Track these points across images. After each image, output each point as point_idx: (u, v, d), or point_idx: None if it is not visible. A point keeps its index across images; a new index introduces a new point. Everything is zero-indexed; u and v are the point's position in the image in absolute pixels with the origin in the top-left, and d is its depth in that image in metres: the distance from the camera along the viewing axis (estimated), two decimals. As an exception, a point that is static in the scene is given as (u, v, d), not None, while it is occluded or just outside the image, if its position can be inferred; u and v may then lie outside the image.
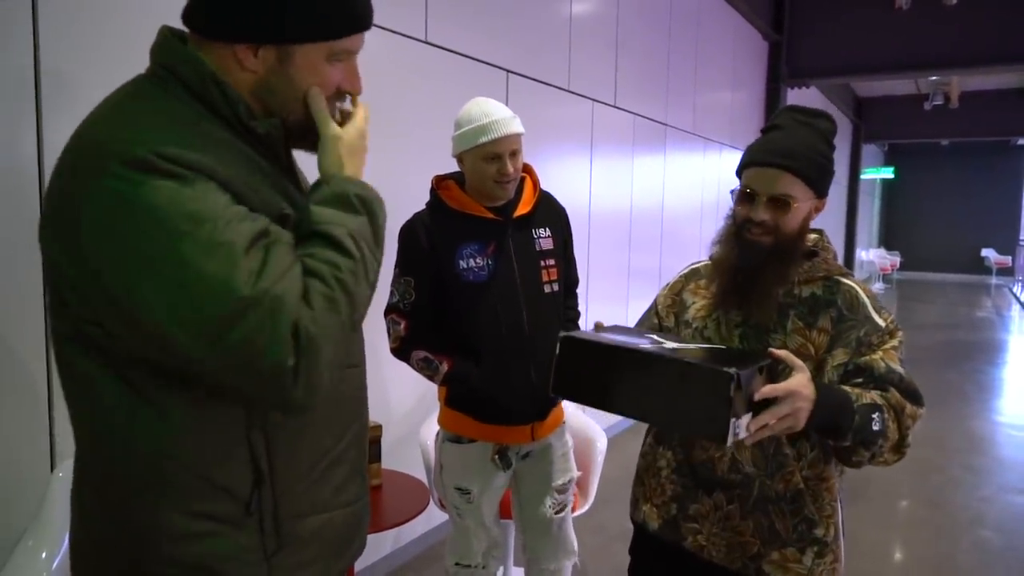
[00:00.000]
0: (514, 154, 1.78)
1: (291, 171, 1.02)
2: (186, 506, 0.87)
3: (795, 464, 1.30)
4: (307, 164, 1.05)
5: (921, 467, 4.27)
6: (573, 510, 2.49)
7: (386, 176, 2.70)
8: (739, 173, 1.39)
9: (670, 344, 1.24)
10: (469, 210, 1.83)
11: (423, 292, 1.81)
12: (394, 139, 2.72)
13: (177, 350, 0.80)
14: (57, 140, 1.65)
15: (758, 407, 1.11)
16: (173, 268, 0.77)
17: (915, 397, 1.29)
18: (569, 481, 2.04)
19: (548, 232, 1.92)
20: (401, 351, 1.84)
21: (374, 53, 2.76)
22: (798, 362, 1.17)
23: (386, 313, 1.85)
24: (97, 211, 0.78)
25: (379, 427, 2.25)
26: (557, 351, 1.22)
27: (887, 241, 17.95)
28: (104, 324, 0.83)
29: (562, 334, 1.22)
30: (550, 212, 1.96)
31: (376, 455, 2.23)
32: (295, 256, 0.85)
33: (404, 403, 2.87)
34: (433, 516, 2.96)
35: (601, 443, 2.66)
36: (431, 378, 1.83)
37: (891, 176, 16.49)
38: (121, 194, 0.77)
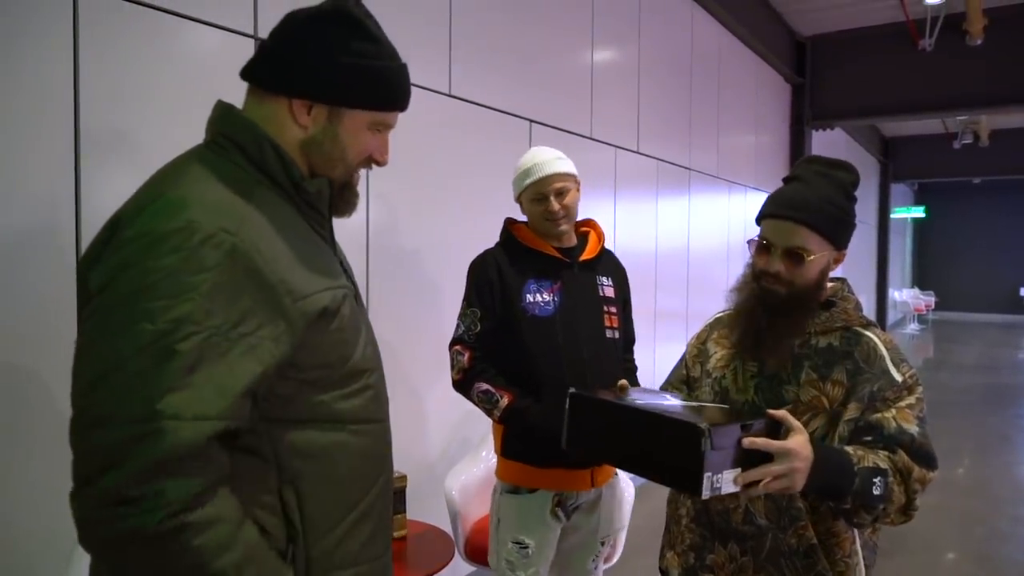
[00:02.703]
0: (560, 193, 1.88)
1: (331, 236, 1.07)
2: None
3: (808, 518, 1.28)
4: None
5: (965, 518, 4.10)
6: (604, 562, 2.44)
7: (413, 224, 2.76)
8: (758, 222, 1.40)
9: (675, 402, 1.28)
10: (537, 247, 1.91)
11: (489, 324, 1.87)
12: (420, 190, 2.77)
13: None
14: (95, 197, 1.71)
15: (754, 463, 1.11)
16: (117, 345, 0.79)
17: (927, 460, 1.25)
18: (615, 532, 2.06)
19: (611, 282, 2.01)
20: (463, 383, 1.87)
21: (401, 106, 2.84)
22: (796, 423, 1.16)
23: (451, 345, 1.91)
24: (116, 264, 0.83)
25: (404, 477, 2.24)
26: (567, 407, 1.28)
27: (921, 281, 17.60)
28: None
29: (571, 390, 1.28)
30: (613, 267, 2.06)
31: (401, 506, 2.21)
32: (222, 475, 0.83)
33: (428, 453, 2.86)
34: (459, 568, 2.91)
35: (629, 493, 2.61)
36: (490, 412, 1.85)
37: (922, 215, 16.26)
38: (140, 259, 0.81)
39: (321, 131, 0.98)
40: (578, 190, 1.94)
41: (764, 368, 1.35)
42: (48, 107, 1.65)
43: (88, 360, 0.82)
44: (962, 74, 6.65)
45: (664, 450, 1.12)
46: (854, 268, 10.53)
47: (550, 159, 1.90)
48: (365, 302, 2.55)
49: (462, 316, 1.91)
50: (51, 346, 1.66)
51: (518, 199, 1.96)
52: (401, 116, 1.08)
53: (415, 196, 2.76)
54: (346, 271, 1.08)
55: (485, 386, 1.83)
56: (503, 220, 2.03)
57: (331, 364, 0.95)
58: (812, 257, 1.29)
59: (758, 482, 1.10)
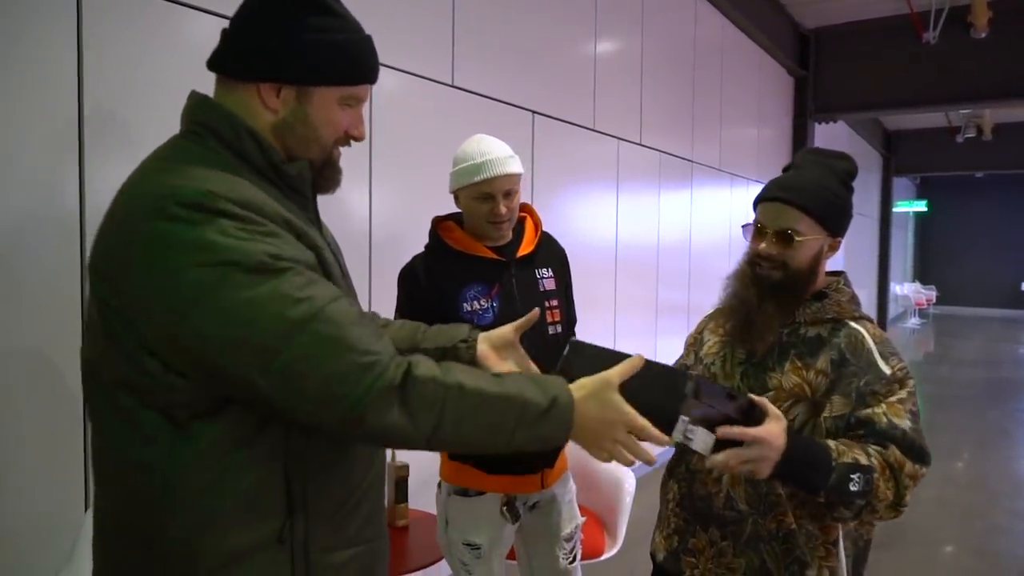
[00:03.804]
0: (508, 194, 1.73)
1: (317, 219, 1.08)
2: (224, 535, 0.90)
3: (788, 504, 1.29)
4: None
5: (964, 512, 4.12)
6: (601, 553, 2.45)
7: (416, 217, 2.75)
8: (754, 210, 1.42)
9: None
10: (471, 250, 1.77)
11: None
12: (423, 181, 2.77)
13: (231, 377, 0.86)
14: (99, 183, 1.71)
15: (725, 445, 1.13)
16: (222, 298, 0.83)
17: (919, 455, 1.24)
18: (575, 528, 1.97)
19: (551, 273, 1.87)
20: None
21: (403, 98, 2.84)
22: (775, 411, 1.16)
23: None
24: (152, 248, 0.84)
25: (406, 467, 2.25)
26: (565, 353, 1.25)
27: (922, 275, 17.57)
28: (159, 355, 0.87)
29: (572, 339, 1.25)
30: (552, 253, 1.92)
31: (403, 495, 2.22)
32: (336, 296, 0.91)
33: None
34: (459, 557, 2.92)
35: (629, 484, 2.61)
36: None
37: (924, 209, 16.23)
38: (176, 231, 0.83)
39: (292, 113, 0.97)
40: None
41: (751, 355, 1.37)
42: (52, 95, 1.65)
43: (230, 331, 0.84)
44: (966, 67, 6.62)
45: (648, 393, 1.12)
46: (855, 261, 10.51)
47: (502, 157, 1.72)
48: (368, 290, 2.56)
49: None
50: (54, 335, 1.66)
51: (455, 192, 1.79)
52: (404, 105, 1.06)
53: (417, 186, 2.75)
54: (334, 253, 1.08)
55: None
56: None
57: None
58: (802, 238, 1.30)
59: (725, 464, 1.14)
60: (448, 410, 0.90)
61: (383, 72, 2.62)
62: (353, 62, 0.99)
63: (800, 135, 7.43)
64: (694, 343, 1.56)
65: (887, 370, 1.27)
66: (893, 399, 1.25)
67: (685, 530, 1.39)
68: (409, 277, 1.80)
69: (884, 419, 1.23)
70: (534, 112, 3.38)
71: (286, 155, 1.00)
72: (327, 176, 1.05)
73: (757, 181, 6.50)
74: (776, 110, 7.10)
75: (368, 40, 1.02)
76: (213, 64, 0.99)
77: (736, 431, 1.11)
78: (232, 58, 0.97)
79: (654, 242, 4.79)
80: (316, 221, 1.07)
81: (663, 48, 4.71)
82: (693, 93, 5.22)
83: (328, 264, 0.98)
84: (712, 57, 5.52)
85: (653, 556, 1.49)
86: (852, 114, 7.98)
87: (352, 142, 1.06)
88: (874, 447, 1.22)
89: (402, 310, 1.79)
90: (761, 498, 1.30)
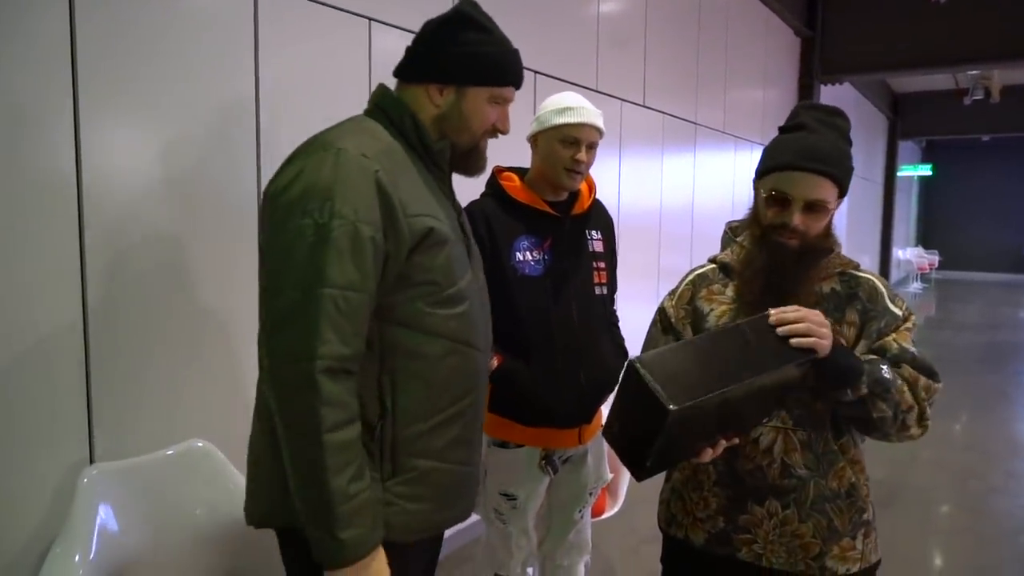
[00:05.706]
0: (591, 147, 1.78)
1: (450, 191, 1.33)
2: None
3: (844, 459, 1.32)
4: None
5: (961, 473, 4.17)
6: (603, 512, 2.48)
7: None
8: (765, 173, 1.35)
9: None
10: (528, 201, 1.80)
11: None
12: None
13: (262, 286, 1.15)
14: (95, 147, 1.69)
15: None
16: (288, 236, 1.08)
17: (930, 372, 1.29)
18: (599, 483, 2.03)
19: (600, 236, 1.92)
20: None
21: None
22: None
23: None
24: (300, 174, 1.12)
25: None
26: (664, 426, 1.07)
27: (925, 239, 17.53)
28: None
29: (671, 407, 1.06)
30: (602, 219, 1.97)
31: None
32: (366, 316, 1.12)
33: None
34: (462, 517, 2.96)
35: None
36: None
37: (929, 173, 16.09)
38: (310, 169, 1.11)
39: (450, 107, 1.26)
40: None
41: None
42: (45, 55, 1.62)
43: (270, 250, 1.12)
44: (977, 27, 6.50)
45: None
46: (859, 225, 10.47)
47: (594, 110, 1.78)
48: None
49: None
50: (52, 292, 1.66)
51: (536, 136, 1.80)
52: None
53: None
54: (463, 226, 1.32)
55: None
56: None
57: (437, 282, 1.18)
58: (831, 209, 1.30)
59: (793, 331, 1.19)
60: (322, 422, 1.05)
61: (381, 30, 2.58)
62: (499, 69, 1.27)
63: (806, 97, 7.32)
64: (686, 315, 1.45)
65: (898, 311, 1.34)
66: (901, 328, 1.33)
67: (731, 507, 1.35)
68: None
69: (895, 345, 1.30)
70: (536, 72, 3.32)
71: (441, 138, 1.26)
72: (472, 160, 1.32)
73: (762, 144, 6.42)
74: (782, 72, 6.98)
75: (514, 53, 1.30)
76: (397, 72, 1.30)
77: (790, 309, 1.20)
78: (409, 68, 1.28)
79: (657, 206, 4.76)
80: (449, 193, 1.31)
81: (668, 7, 4.61)
82: (698, 53, 5.13)
83: (443, 233, 1.18)
84: (718, 16, 5.40)
85: (683, 541, 1.43)
86: (859, 75, 7.86)
87: (499, 134, 1.31)
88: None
89: None
90: (819, 458, 1.30)
